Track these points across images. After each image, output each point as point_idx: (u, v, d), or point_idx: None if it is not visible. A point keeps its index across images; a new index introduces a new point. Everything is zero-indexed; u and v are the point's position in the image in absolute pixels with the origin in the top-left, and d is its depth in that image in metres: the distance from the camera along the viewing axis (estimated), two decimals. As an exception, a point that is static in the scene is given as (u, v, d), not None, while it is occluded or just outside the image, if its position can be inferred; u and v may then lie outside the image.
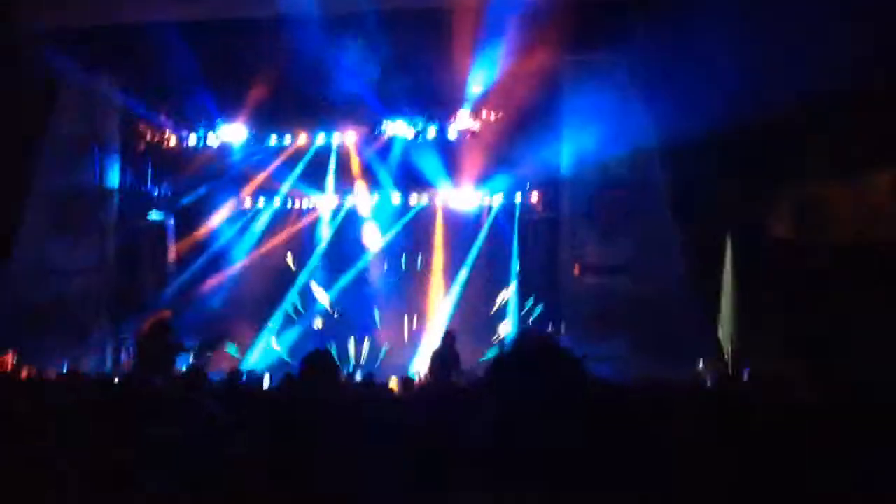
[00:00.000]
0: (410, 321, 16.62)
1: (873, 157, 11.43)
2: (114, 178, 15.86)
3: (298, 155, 16.72)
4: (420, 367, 14.67)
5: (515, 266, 16.37)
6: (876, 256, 10.88)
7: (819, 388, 7.81)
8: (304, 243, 17.46)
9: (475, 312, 16.35)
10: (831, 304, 10.83)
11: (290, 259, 17.22)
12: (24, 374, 12.09)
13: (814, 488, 4.14)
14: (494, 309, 16.25)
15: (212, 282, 16.66)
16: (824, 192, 11.78)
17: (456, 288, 16.73)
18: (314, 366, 5.04)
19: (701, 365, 12.61)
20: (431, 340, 12.54)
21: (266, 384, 12.18)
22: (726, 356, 12.79)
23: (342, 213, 17.42)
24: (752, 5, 11.78)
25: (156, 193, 16.66)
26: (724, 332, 13.24)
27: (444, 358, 11.90)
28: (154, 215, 16.50)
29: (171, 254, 16.47)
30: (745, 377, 10.28)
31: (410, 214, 17.10)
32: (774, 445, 4.98)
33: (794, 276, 11.54)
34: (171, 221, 16.60)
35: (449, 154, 16.31)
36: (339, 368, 5.49)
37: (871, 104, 11.10)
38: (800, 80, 11.27)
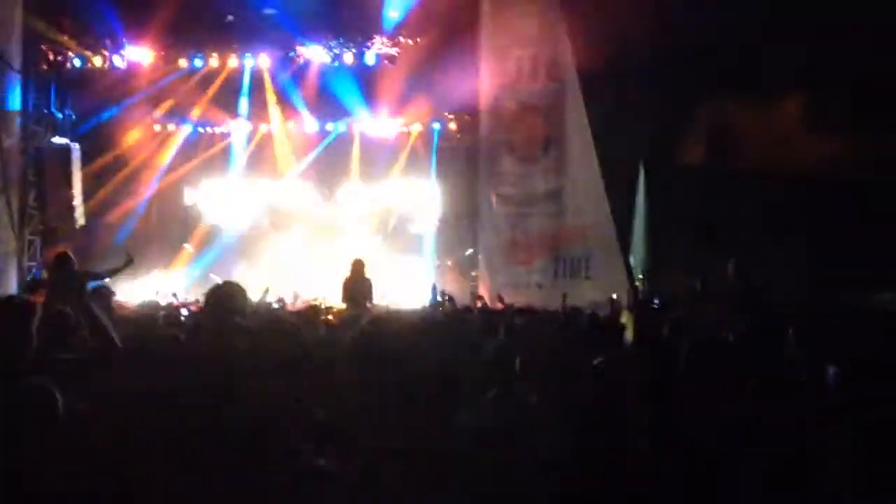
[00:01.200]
0: (325, 250, 16.49)
1: (782, 87, 11.62)
2: (15, 99, 15.14)
3: (210, 78, 16.16)
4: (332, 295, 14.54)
5: (434, 194, 16.31)
6: (783, 183, 11.13)
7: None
8: (217, 169, 17.07)
9: (391, 240, 16.31)
10: (739, 230, 11.07)
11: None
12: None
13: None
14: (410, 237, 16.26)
15: (121, 207, 16.20)
16: (734, 118, 11.95)
17: (372, 216, 16.60)
18: (219, 298, 4.95)
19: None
20: (342, 269, 12.40)
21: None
22: (638, 282, 12.99)
23: (256, 139, 17.04)
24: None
25: (60, 116, 15.98)
26: (637, 257, 13.45)
27: (356, 286, 11.77)
28: (58, 139, 15.84)
29: (78, 179, 15.85)
30: (656, 303, 10.46)
31: (326, 141, 16.82)
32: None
33: (703, 203, 11.76)
34: (77, 145, 15.95)
35: (366, 80, 15.99)
36: (244, 299, 5.37)
37: (782, 34, 11.26)
38: (717, 9, 11.34)
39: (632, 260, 13.28)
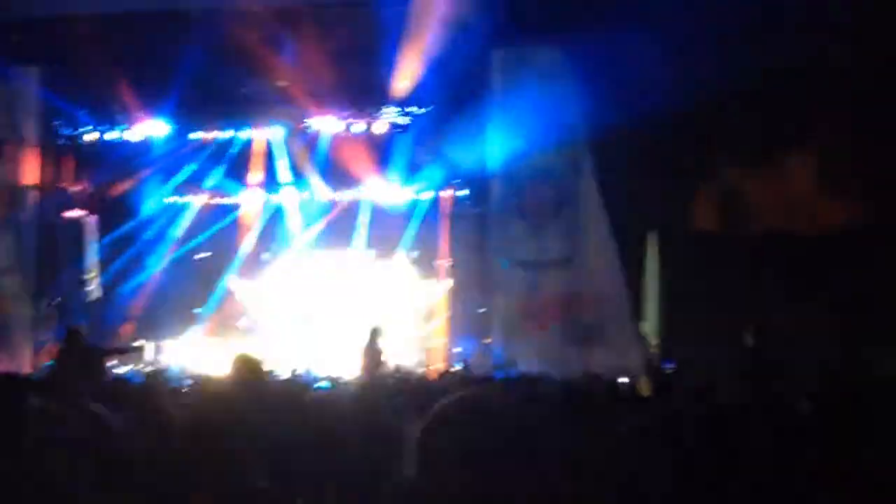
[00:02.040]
0: (339, 318, 16.51)
1: (790, 149, 11.71)
2: (31, 174, 15.36)
3: (223, 150, 16.38)
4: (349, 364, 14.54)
5: (444, 262, 16.35)
6: (795, 245, 11.14)
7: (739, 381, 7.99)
8: (229, 240, 17.19)
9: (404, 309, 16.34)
10: (752, 295, 11.06)
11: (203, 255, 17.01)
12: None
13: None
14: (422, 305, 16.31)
15: (134, 280, 16.28)
16: (744, 183, 12.02)
17: (384, 284, 16.64)
18: (241, 369, 4.98)
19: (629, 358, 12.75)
20: (359, 337, 12.46)
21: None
22: (651, 349, 12.95)
23: (268, 210, 17.19)
24: (680, 2, 11.95)
25: (75, 189, 16.16)
26: (650, 324, 13.42)
27: (372, 354, 11.81)
28: (73, 212, 16.01)
29: (92, 252, 16.01)
30: (668, 369, 10.43)
31: (337, 210, 16.95)
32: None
33: (716, 268, 11.77)
34: (92, 219, 16.14)
35: (377, 149, 16.17)
36: (265, 372, 5.41)
37: (787, 97, 11.39)
38: (724, 74, 11.49)
39: (645, 326, 13.26)
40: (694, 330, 11.50)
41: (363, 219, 16.85)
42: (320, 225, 17.03)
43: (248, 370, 5.11)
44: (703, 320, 11.30)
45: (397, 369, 12.30)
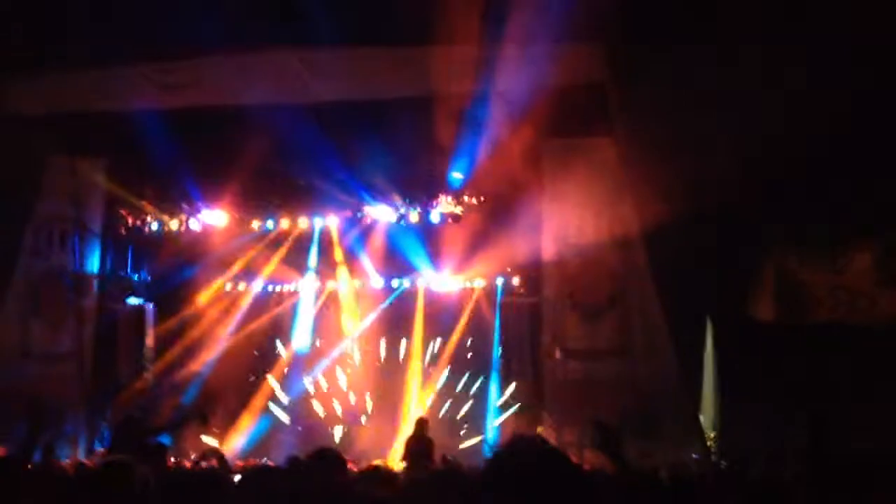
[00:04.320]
0: (389, 407, 16.47)
1: (850, 240, 11.51)
2: (93, 262, 15.77)
3: (280, 239, 16.64)
4: (395, 454, 14.45)
5: (497, 350, 16.26)
6: (855, 337, 10.87)
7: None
8: (285, 327, 17.35)
9: (455, 398, 16.22)
10: (812, 386, 10.77)
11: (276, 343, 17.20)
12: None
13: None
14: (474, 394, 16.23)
15: (191, 367, 16.44)
16: (803, 274, 11.81)
17: (436, 372, 16.60)
18: (323, 464, 4.91)
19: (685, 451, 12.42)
20: (406, 427, 12.38)
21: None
22: (709, 440, 12.61)
23: (323, 297, 17.34)
24: (729, 88, 11.95)
25: (136, 278, 16.51)
26: (707, 415, 13.10)
27: (418, 445, 11.69)
28: (133, 300, 16.32)
29: (150, 339, 16.25)
30: (725, 465, 10.13)
31: (392, 298, 17.04)
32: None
33: (775, 359, 11.49)
34: (151, 306, 16.43)
35: (431, 237, 16.28)
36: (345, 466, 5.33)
37: (847, 187, 11.23)
38: (779, 164, 11.39)
39: (701, 418, 12.94)
40: (752, 422, 11.19)
41: (418, 306, 16.92)
42: (375, 313, 17.13)
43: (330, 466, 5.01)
44: (761, 412, 11.01)
45: (444, 460, 12.12)
